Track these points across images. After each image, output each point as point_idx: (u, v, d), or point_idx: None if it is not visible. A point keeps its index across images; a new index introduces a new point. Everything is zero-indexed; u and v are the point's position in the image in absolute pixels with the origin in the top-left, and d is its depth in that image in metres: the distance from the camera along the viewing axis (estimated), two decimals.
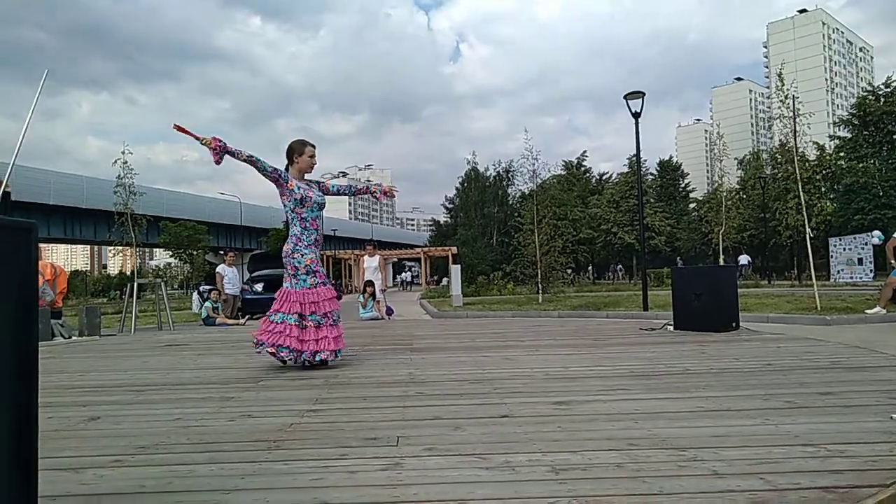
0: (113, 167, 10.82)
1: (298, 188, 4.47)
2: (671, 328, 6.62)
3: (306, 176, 4.65)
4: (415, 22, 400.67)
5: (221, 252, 15.94)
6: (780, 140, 25.11)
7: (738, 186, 43.56)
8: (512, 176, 48.50)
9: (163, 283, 11.42)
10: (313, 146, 4.64)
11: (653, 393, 3.21)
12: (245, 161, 4.30)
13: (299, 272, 4.45)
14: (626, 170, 49.64)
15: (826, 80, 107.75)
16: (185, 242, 45.37)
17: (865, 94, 40.05)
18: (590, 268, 50.44)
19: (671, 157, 58.17)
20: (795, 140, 11.02)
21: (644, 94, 12.24)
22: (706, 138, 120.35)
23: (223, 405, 3.24)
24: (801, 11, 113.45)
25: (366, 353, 5.51)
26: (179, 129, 4.13)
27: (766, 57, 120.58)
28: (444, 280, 40.44)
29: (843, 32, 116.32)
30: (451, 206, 54.28)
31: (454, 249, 40.60)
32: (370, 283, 11.55)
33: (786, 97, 10.74)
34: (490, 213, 49.12)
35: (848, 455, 2.01)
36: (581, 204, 47.92)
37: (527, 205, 30.41)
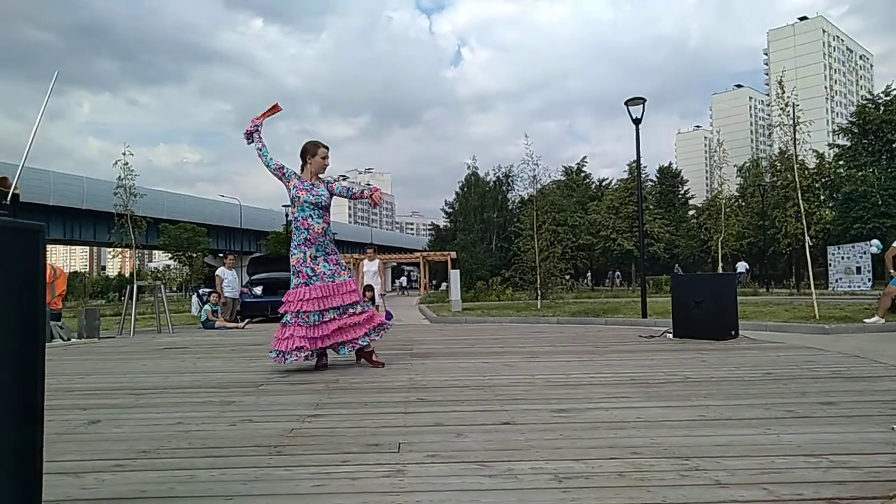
0: (113, 168, 10.84)
1: (294, 188, 4.55)
2: (670, 336, 6.62)
3: (320, 175, 4.70)
4: (417, 25, 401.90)
5: (221, 255, 15.94)
6: (780, 148, 25.20)
7: (737, 194, 43.68)
8: (512, 181, 48.63)
9: (162, 286, 11.41)
10: (327, 148, 4.69)
11: (654, 401, 3.21)
12: (257, 150, 4.60)
13: (293, 273, 4.59)
14: (625, 176, 49.72)
15: (826, 87, 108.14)
16: (184, 245, 45.35)
17: (865, 102, 40.12)
18: (588, 274, 50.45)
19: (671, 163, 58.26)
20: (795, 148, 11.04)
21: (645, 100, 12.26)
22: (706, 145, 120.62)
23: (224, 409, 3.24)
24: (802, 19, 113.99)
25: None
26: (267, 115, 4.65)
27: (766, 64, 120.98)
28: (443, 285, 40.43)
29: (843, 40, 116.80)
30: (450, 210, 54.33)
31: (453, 254, 40.59)
32: (369, 288, 11.53)
33: (786, 105, 10.76)
34: (489, 218, 49.18)
35: (850, 466, 2.01)
36: (580, 210, 47.98)
37: (526, 210, 30.49)
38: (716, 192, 17.51)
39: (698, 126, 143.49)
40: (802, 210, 11.02)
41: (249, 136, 4.60)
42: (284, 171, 4.59)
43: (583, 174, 55.19)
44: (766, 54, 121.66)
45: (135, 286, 10.63)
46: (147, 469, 2.19)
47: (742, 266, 33.91)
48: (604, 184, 55.25)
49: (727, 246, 15.98)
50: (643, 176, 42.21)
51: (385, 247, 68.80)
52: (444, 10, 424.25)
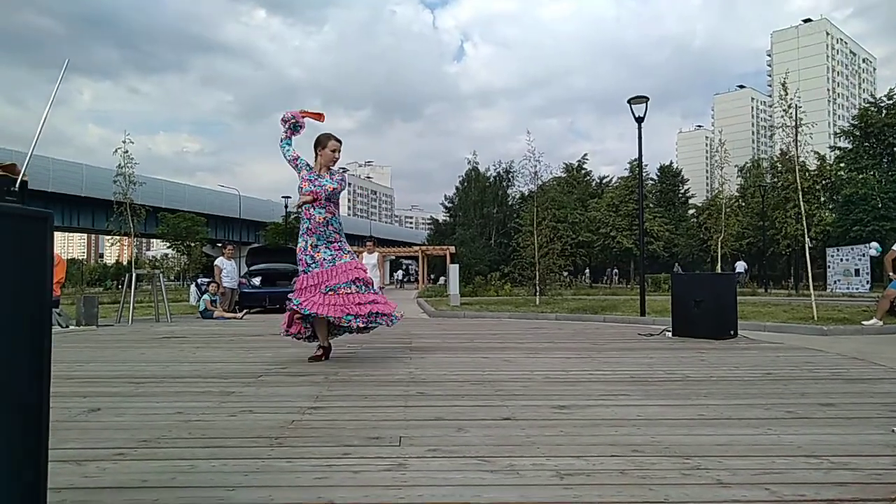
0: (113, 156, 10.82)
1: (301, 179, 4.60)
2: (669, 334, 6.63)
3: (331, 167, 4.69)
4: (420, 20, 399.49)
5: (219, 245, 15.91)
6: (781, 149, 25.18)
7: (737, 194, 43.67)
8: (512, 177, 48.54)
9: (161, 275, 11.40)
10: (338, 141, 4.67)
11: (653, 399, 3.21)
12: (280, 139, 4.72)
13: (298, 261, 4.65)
14: (626, 174, 49.68)
15: (828, 90, 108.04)
16: (183, 234, 45.26)
17: (867, 105, 40.12)
18: (586, 271, 50.46)
19: (671, 162, 58.23)
20: (797, 150, 11.03)
21: (648, 98, 12.23)
22: (707, 145, 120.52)
23: (224, 400, 3.24)
24: (806, 21, 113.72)
25: (364, 350, 5.51)
26: (306, 114, 4.74)
27: (769, 66, 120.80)
28: (441, 279, 40.44)
29: (846, 43, 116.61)
30: (450, 205, 54.23)
31: (452, 249, 40.57)
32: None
33: (789, 107, 10.74)
34: (489, 214, 49.11)
35: (851, 468, 2.02)
36: (580, 207, 47.95)
37: (526, 206, 30.47)
38: (716, 191, 17.52)
39: (700, 126, 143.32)
40: (803, 211, 11.01)
41: (287, 122, 4.68)
42: (297, 162, 4.66)
43: (583, 171, 55.13)
44: (769, 56, 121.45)
45: (133, 274, 10.61)
46: (148, 458, 2.19)
47: (741, 266, 33.97)
48: (604, 181, 55.21)
49: (726, 246, 15.99)
50: (644, 174, 42.25)
51: (384, 240, 68.79)
52: (448, 5, 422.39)
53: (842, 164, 39.13)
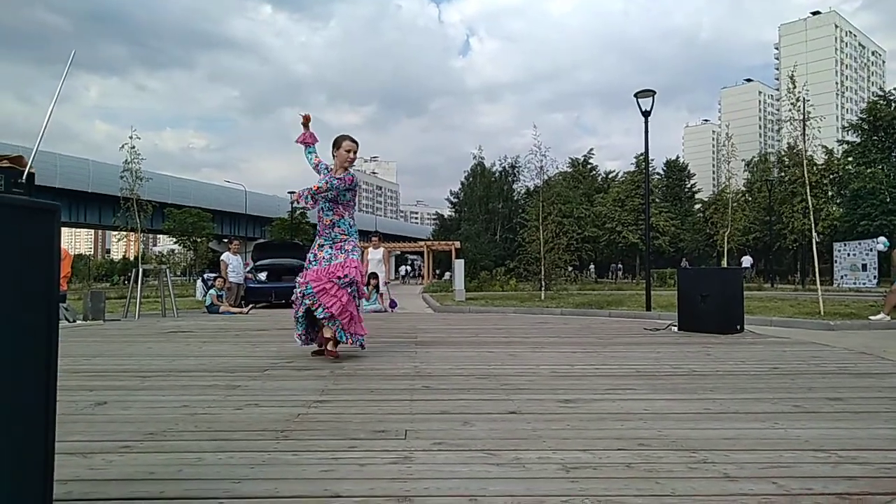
0: (120, 152, 10.86)
1: (319, 181, 4.60)
2: (675, 329, 6.61)
3: (347, 168, 4.69)
4: (425, 14, 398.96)
5: (225, 240, 15.96)
6: (789, 143, 25.01)
7: (744, 188, 43.47)
8: (518, 172, 48.46)
9: (167, 270, 11.44)
10: (354, 142, 4.65)
11: (660, 393, 3.20)
12: (304, 149, 4.86)
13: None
14: (632, 169, 49.52)
15: (837, 83, 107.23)
16: (189, 229, 45.45)
17: (876, 98, 39.74)
18: (591, 266, 50.38)
19: (678, 156, 58.00)
20: (804, 143, 10.96)
21: (654, 92, 12.16)
22: (713, 139, 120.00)
23: (230, 393, 3.24)
24: (814, 14, 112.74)
25: (370, 345, 5.50)
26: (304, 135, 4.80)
27: (777, 59, 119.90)
28: (447, 274, 40.43)
29: (855, 36, 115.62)
30: (455, 200, 54.22)
31: (457, 244, 40.55)
32: (374, 275, 11.53)
33: (796, 100, 10.67)
34: (494, 209, 49.05)
35: (860, 462, 2.01)
36: (586, 202, 47.85)
37: (532, 201, 30.41)
38: (723, 186, 17.43)
39: (706, 120, 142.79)
40: (810, 206, 10.95)
41: (300, 144, 4.86)
42: (318, 167, 4.75)
43: (589, 166, 54.98)
44: (777, 49, 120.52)
45: (140, 269, 10.65)
46: (155, 451, 2.19)
47: (747, 261, 33.84)
48: (610, 176, 55.04)
49: (733, 240, 15.94)
50: (650, 169, 42.10)
51: (389, 235, 68.86)
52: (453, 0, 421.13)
53: (850, 158, 38.86)
